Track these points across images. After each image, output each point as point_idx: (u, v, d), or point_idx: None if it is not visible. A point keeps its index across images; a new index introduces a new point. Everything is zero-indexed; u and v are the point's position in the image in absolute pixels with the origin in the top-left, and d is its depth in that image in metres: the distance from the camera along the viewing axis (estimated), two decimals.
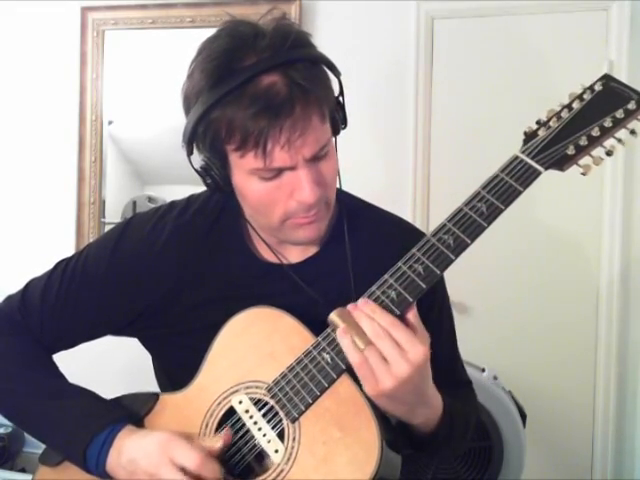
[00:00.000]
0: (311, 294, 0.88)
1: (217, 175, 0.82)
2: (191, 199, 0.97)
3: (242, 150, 0.76)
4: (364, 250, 0.92)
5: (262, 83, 0.74)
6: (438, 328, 0.89)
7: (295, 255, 0.92)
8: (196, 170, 0.84)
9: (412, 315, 0.76)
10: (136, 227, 0.95)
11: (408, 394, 0.74)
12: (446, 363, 0.93)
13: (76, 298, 0.92)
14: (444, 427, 0.84)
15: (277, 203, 0.81)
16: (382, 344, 0.72)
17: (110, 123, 2.57)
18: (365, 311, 0.75)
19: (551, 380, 2.21)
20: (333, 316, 0.76)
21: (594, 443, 2.21)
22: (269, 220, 0.83)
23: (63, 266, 0.95)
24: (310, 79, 0.76)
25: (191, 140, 0.80)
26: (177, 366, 0.93)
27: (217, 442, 0.79)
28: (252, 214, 0.87)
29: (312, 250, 0.92)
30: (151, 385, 0.99)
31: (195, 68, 0.79)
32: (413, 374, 0.71)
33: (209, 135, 0.78)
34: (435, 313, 0.93)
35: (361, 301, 0.77)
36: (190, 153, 0.82)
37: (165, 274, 0.91)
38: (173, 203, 0.97)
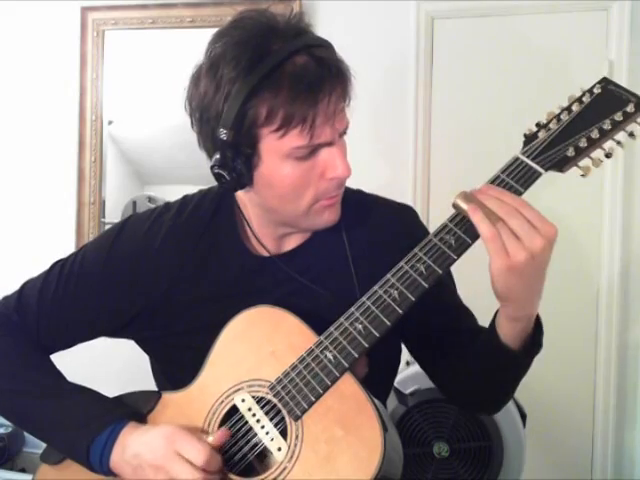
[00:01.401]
0: (303, 282, 0.89)
1: (242, 167, 0.81)
2: (186, 199, 0.98)
3: (284, 129, 0.77)
4: (358, 235, 0.93)
5: (297, 63, 0.77)
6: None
7: (293, 247, 0.93)
8: (217, 166, 0.82)
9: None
10: (133, 227, 0.95)
11: (535, 271, 0.74)
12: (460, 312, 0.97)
13: (72, 298, 0.92)
14: (538, 330, 0.89)
15: (309, 185, 0.82)
16: (513, 221, 0.71)
17: (110, 123, 2.57)
18: (491, 193, 0.74)
19: (551, 380, 2.21)
20: (458, 200, 0.75)
21: (594, 443, 2.21)
22: (297, 206, 0.84)
23: (59, 266, 0.95)
24: (337, 59, 0.81)
25: (238, 126, 0.78)
26: (176, 366, 0.93)
27: (215, 438, 0.79)
28: (276, 204, 0.86)
29: (304, 238, 0.94)
30: (151, 385, 0.99)
31: (218, 60, 0.79)
32: (545, 248, 0.71)
33: (246, 122, 0.78)
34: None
35: (485, 186, 0.77)
36: (235, 141, 0.79)
37: (162, 274, 0.91)
38: (168, 204, 0.98)
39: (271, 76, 0.75)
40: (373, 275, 0.80)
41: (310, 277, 0.90)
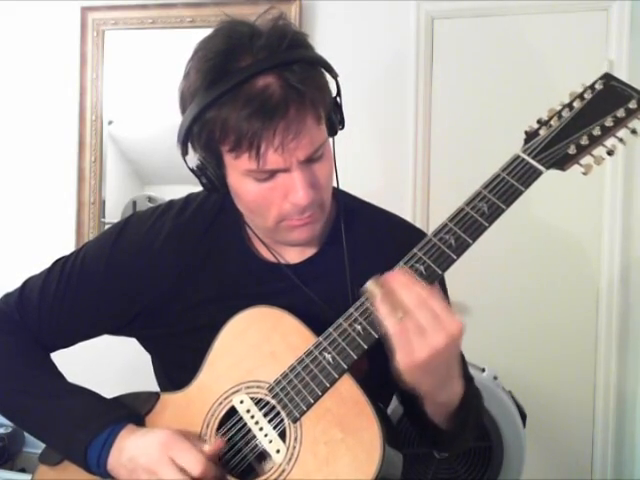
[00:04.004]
0: (309, 295, 0.88)
1: (212, 175, 0.82)
2: (190, 198, 0.97)
3: (236, 151, 0.76)
4: (363, 250, 0.92)
5: (257, 84, 0.74)
6: None
7: (294, 254, 0.92)
8: (191, 170, 0.84)
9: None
10: (135, 225, 0.95)
11: (440, 366, 0.73)
12: None
13: (74, 296, 0.92)
14: (462, 413, 0.83)
15: (271, 205, 0.81)
16: (420, 313, 0.70)
17: (110, 123, 2.57)
18: (403, 280, 0.74)
19: (551, 380, 2.21)
20: (370, 285, 0.74)
21: (594, 443, 2.21)
22: (264, 221, 0.84)
23: (61, 264, 0.95)
24: (306, 81, 0.76)
25: (185, 140, 0.81)
26: (177, 366, 0.93)
27: (211, 447, 0.79)
28: (247, 214, 0.87)
29: (311, 250, 0.92)
30: (151, 385, 0.99)
31: (191, 68, 0.79)
32: (449, 344, 0.70)
33: (204, 135, 0.78)
34: None
35: (398, 270, 0.76)
36: (185, 153, 0.82)
37: (164, 273, 0.91)
38: (171, 202, 0.97)
39: (228, 95, 0.74)
40: None
41: (315, 290, 0.89)
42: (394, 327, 0.71)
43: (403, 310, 0.71)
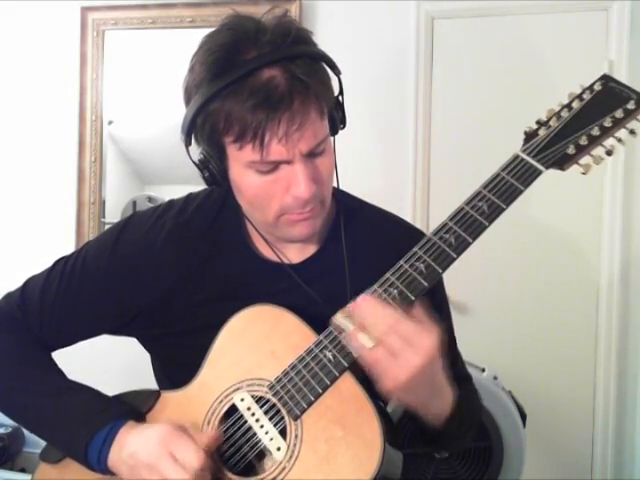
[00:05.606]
0: (311, 294, 0.88)
1: (214, 168, 0.82)
2: (190, 197, 0.97)
3: (240, 142, 0.77)
4: (362, 250, 0.92)
5: (262, 76, 0.75)
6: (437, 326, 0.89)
7: (294, 253, 0.92)
8: (194, 162, 0.84)
9: (417, 309, 0.76)
10: (135, 225, 0.95)
11: (422, 385, 0.74)
12: (446, 360, 0.93)
13: (75, 296, 0.92)
14: (455, 419, 0.84)
15: (273, 198, 0.81)
16: (390, 339, 0.72)
17: (110, 123, 2.58)
18: (368, 309, 0.75)
19: (551, 380, 2.22)
20: (338, 318, 0.76)
21: (594, 443, 2.21)
22: (264, 215, 0.84)
23: (62, 264, 0.95)
24: (310, 75, 0.77)
25: (190, 131, 0.81)
26: (177, 365, 0.93)
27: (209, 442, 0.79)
28: (248, 209, 0.87)
29: (312, 249, 0.92)
30: (151, 385, 0.99)
31: (196, 62, 0.79)
32: (424, 364, 0.71)
33: (207, 127, 0.79)
34: (434, 310, 0.93)
35: (361, 298, 0.76)
36: (188, 144, 0.83)
37: (164, 273, 0.91)
38: (172, 202, 0.97)
39: (233, 87, 0.75)
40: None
41: (316, 289, 0.89)
42: (368, 356, 0.73)
43: (373, 339, 0.72)
